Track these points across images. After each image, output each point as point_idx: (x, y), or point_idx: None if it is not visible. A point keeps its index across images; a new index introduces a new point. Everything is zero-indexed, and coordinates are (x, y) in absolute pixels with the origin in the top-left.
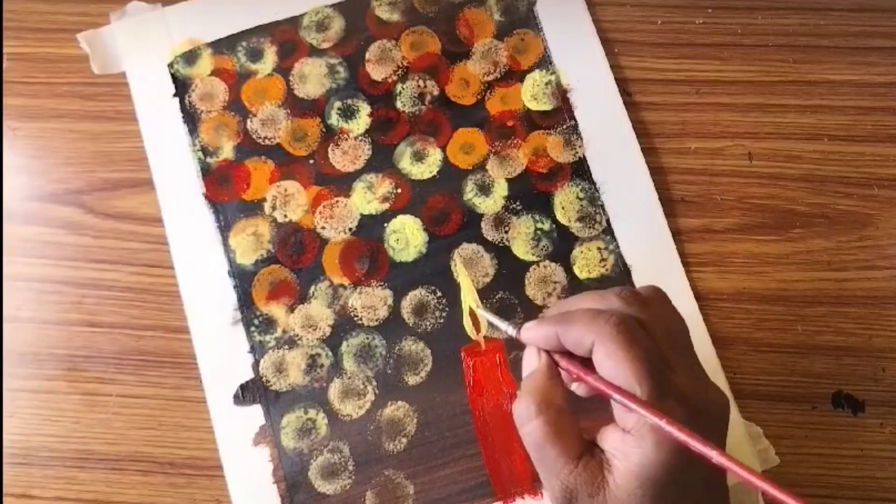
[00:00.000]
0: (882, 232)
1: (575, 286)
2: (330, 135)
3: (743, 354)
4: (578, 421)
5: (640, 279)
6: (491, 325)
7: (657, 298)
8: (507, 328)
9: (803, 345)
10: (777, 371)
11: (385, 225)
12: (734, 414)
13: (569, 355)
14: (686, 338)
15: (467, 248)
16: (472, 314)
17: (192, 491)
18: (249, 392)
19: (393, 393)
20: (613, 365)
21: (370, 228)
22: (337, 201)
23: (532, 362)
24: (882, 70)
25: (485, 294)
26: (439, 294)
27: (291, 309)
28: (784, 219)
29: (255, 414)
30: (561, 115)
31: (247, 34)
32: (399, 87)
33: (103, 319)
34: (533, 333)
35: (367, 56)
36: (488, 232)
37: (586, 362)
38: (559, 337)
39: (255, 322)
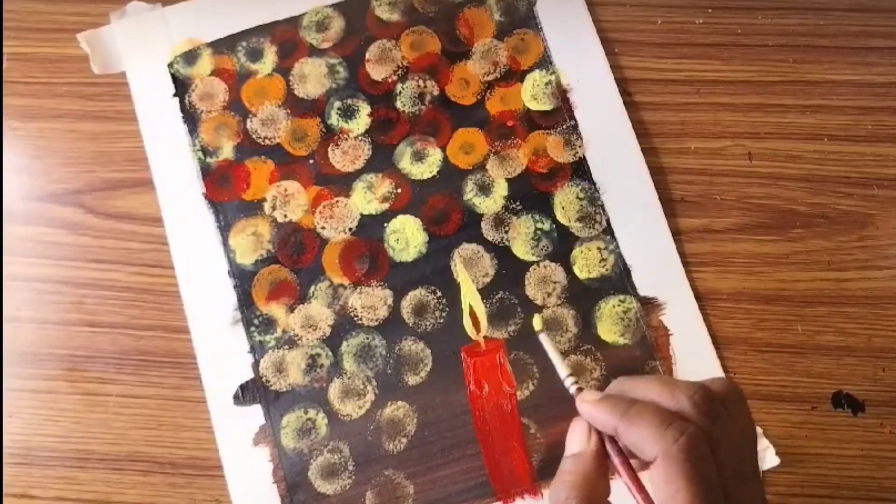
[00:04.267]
0: (882, 232)
1: (575, 286)
2: (330, 135)
3: (743, 354)
4: None
5: (641, 279)
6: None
7: (733, 401)
8: (566, 378)
9: (803, 345)
10: (777, 371)
11: (385, 225)
12: None
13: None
14: (753, 449)
15: (467, 248)
16: (473, 314)
17: (192, 491)
18: (249, 392)
19: (393, 393)
20: (672, 493)
21: (370, 228)
22: (337, 201)
23: (580, 442)
24: (882, 70)
25: (485, 294)
26: (439, 294)
27: (291, 309)
28: (784, 219)
29: (255, 414)
30: (561, 115)
31: (247, 34)
32: (399, 87)
33: (103, 319)
34: (591, 411)
35: (367, 56)
36: (488, 232)
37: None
38: (618, 430)
39: (255, 322)
